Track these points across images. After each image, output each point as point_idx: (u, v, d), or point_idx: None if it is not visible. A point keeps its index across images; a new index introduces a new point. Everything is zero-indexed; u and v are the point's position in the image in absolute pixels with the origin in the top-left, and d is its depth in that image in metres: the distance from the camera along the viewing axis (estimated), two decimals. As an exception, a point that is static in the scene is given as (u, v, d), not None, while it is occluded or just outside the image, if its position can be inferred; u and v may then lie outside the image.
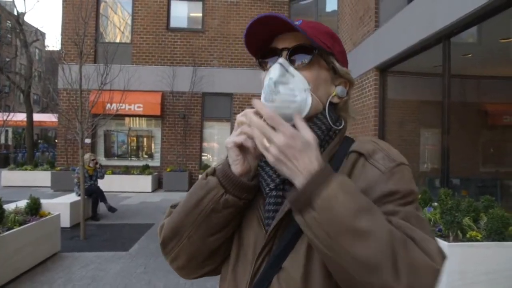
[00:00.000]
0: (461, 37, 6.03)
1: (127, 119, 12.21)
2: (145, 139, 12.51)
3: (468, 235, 3.55)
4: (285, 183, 0.81)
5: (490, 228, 3.54)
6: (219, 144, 12.56)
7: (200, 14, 12.42)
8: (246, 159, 0.82)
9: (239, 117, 0.82)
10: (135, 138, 12.48)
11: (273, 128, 0.72)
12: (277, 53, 0.86)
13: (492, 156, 8.03)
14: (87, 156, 7.14)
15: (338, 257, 0.66)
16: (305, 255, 0.75)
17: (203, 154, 12.35)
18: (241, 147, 0.81)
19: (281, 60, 0.82)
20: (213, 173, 0.84)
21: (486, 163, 8.05)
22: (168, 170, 11.43)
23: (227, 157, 0.88)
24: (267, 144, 0.73)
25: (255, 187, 0.83)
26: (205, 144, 12.44)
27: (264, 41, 0.89)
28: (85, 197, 6.24)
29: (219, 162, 1.03)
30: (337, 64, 0.88)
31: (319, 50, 0.84)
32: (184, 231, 0.83)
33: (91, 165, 7.31)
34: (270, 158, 0.73)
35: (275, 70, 0.81)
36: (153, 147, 12.36)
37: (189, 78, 11.88)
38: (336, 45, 0.89)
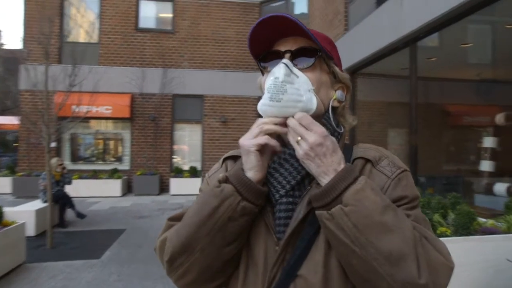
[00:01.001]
0: (427, 41, 6.28)
1: (94, 121, 11.83)
2: (113, 142, 12.16)
3: (438, 231, 3.69)
4: (295, 190, 0.82)
5: (457, 224, 3.70)
6: (190, 146, 12.41)
7: (170, 15, 12.25)
8: (264, 165, 0.82)
9: (262, 120, 0.83)
10: (103, 141, 12.10)
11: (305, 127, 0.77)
12: (279, 55, 0.86)
13: (454, 154, 8.42)
14: (54, 160, 6.85)
15: (363, 249, 0.69)
16: (323, 261, 0.76)
17: (173, 156, 12.16)
18: (260, 151, 0.80)
19: (285, 60, 0.82)
20: (226, 180, 0.81)
21: (450, 161, 8.43)
22: (138, 173, 11.18)
23: (232, 163, 0.89)
24: (298, 138, 0.76)
25: (266, 193, 0.83)
26: (175, 147, 12.25)
27: (265, 45, 0.89)
28: (52, 203, 5.98)
29: (214, 170, 1.01)
30: (337, 69, 0.90)
31: (323, 53, 0.86)
32: (197, 244, 0.79)
33: (58, 170, 7.02)
34: (300, 153, 0.76)
35: (280, 69, 0.80)
36: (122, 150, 12.03)
37: (159, 80, 11.68)
38: (334, 51, 0.91)
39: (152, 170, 11.47)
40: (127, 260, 4.94)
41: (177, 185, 11.18)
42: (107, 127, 12.09)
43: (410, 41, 6.13)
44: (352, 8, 8.25)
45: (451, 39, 6.54)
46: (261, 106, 0.82)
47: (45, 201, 6.40)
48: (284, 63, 0.81)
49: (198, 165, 12.09)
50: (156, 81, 11.65)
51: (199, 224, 0.79)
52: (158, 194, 11.16)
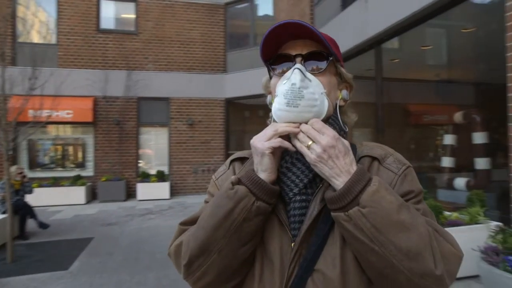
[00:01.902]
0: (390, 43, 6.54)
1: (54, 126, 11.30)
2: (75, 147, 11.65)
3: (409, 226, 3.84)
4: (307, 188, 0.84)
5: (427, 218, 3.87)
6: (156, 150, 12.15)
7: (133, 16, 11.94)
8: (276, 167, 0.84)
9: (275, 125, 0.84)
10: (64, 147, 11.58)
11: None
12: (289, 59, 0.87)
13: (417, 152, 8.80)
14: (13, 168, 6.48)
15: (382, 247, 0.72)
16: (340, 256, 0.78)
17: (139, 161, 11.86)
18: (273, 153, 0.82)
19: (299, 65, 0.84)
20: (238, 182, 0.82)
21: (413, 158, 8.80)
22: (103, 179, 10.79)
23: (243, 164, 0.89)
24: (309, 142, 0.78)
25: (278, 192, 0.84)
26: (141, 151, 11.95)
27: (272, 47, 0.90)
28: (12, 214, 5.63)
29: (222, 172, 1.00)
30: (343, 70, 0.93)
31: (333, 57, 0.88)
32: (215, 245, 0.80)
33: (17, 178, 6.64)
34: (312, 157, 0.78)
35: (295, 75, 0.82)
36: (84, 156, 11.56)
37: (123, 82, 11.35)
38: (338, 51, 0.93)
39: (117, 176, 11.12)
40: (98, 269, 4.75)
41: (144, 190, 10.91)
42: (68, 132, 11.58)
43: (375, 44, 6.35)
44: (318, 10, 8.44)
45: (413, 42, 6.84)
46: (277, 111, 0.84)
47: (4, 212, 6.04)
48: (298, 69, 0.82)
49: (166, 169, 11.86)
50: (120, 84, 11.32)
51: (215, 226, 0.80)
52: (125, 200, 10.84)
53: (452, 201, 5.73)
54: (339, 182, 0.76)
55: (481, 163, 5.75)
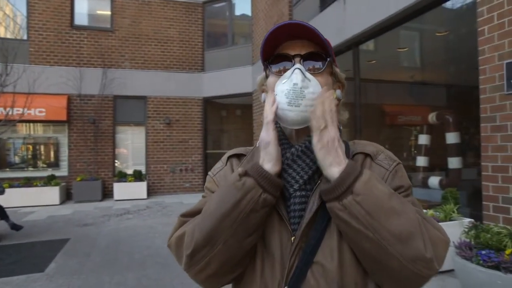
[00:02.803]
0: (368, 45, 6.69)
1: (26, 125, 10.91)
2: (48, 146, 11.30)
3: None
4: (306, 184, 0.88)
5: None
6: (133, 149, 11.95)
7: (109, 12, 11.68)
8: (281, 158, 0.88)
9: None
10: (36, 146, 11.20)
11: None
12: (289, 59, 0.90)
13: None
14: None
15: (376, 233, 0.76)
16: (338, 248, 0.82)
17: (116, 160, 11.63)
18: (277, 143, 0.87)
19: (299, 65, 0.87)
20: (245, 174, 0.84)
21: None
22: (79, 179, 10.51)
23: (249, 157, 0.93)
24: (323, 125, 0.83)
25: (282, 185, 0.87)
26: (118, 150, 11.73)
27: (270, 46, 0.92)
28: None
29: (218, 168, 1.02)
30: (337, 70, 0.97)
31: (330, 58, 0.92)
32: (220, 236, 0.81)
33: (-12, 178, 6.38)
34: (324, 141, 0.82)
35: (297, 75, 0.85)
36: (58, 155, 11.21)
37: (99, 80, 11.10)
38: (332, 51, 0.96)
39: (93, 175, 10.86)
40: (76, 270, 4.65)
41: (121, 190, 10.71)
42: (40, 130, 11.21)
43: (353, 45, 6.48)
44: (296, 11, 8.52)
45: (389, 44, 7.03)
46: (278, 111, 0.87)
47: (-26, 213, 5.80)
48: (299, 69, 0.86)
49: (143, 169, 11.69)
50: (95, 82, 11.06)
51: (222, 216, 0.81)
52: (101, 200, 10.60)
53: (427, 199, 5.93)
54: (338, 169, 0.80)
55: (454, 162, 5.97)
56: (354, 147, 0.95)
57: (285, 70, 0.90)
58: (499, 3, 3.83)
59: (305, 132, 0.89)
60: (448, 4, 5.21)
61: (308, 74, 0.87)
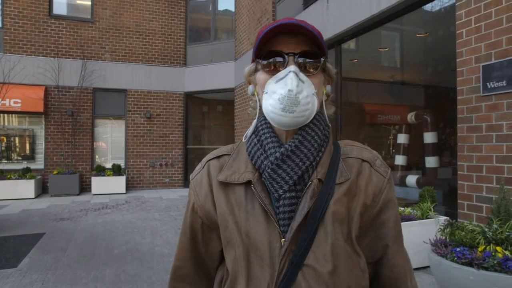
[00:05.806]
0: (350, 44, 6.76)
1: (1, 116, 10.55)
2: (23, 138, 10.96)
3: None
4: (296, 184, 0.85)
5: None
6: (112, 143, 11.73)
7: (89, 2, 11.40)
8: None
9: None
10: (11, 138, 10.85)
11: None
12: (281, 55, 0.86)
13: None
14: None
15: None
16: (331, 251, 0.80)
17: (95, 154, 11.40)
18: None
19: (293, 68, 0.83)
20: None
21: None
22: (55, 172, 10.25)
23: None
24: None
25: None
26: (97, 144, 11.49)
27: (263, 41, 0.88)
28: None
29: (197, 171, 1.02)
30: (329, 66, 0.93)
31: (325, 57, 0.88)
32: None
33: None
34: None
35: (292, 80, 0.81)
36: (34, 147, 10.90)
37: (78, 72, 10.83)
38: (326, 49, 0.92)
39: (71, 169, 10.62)
40: (51, 266, 4.54)
41: (99, 184, 10.51)
42: (15, 122, 10.87)
43: (335, 43, 6.54)
44: (280, 8, 8.52)
45: (371, 43, 7.12)
46: (270, 113, 0.85)
47: None
48: (294, 72, 0.82)
49: (122, 163, 11.50)
50: (74, 73, 10.79)
51: None
52: (79, 194, 10.38)
53: (405, 197, 6.06)
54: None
55: (431, 161, 6.12)
56: (347, 149, 0.92)
57: (275, 65, 0.86)
58: (477, 7, 3.93)
59: (294, 130, 0.86)
60: (428, 7, 5.32)
61: (302, 76, 0.83)
